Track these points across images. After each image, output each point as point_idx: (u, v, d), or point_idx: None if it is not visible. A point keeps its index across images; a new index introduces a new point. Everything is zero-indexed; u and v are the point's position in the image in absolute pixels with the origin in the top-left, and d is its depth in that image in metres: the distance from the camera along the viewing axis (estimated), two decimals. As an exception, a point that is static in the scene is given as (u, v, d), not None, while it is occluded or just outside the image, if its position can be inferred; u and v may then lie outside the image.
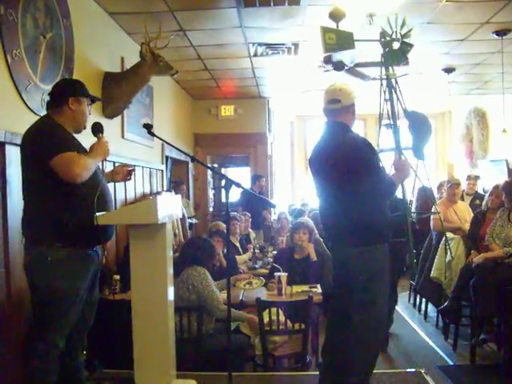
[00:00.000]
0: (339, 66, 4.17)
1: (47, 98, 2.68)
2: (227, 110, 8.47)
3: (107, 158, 4.21)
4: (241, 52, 5.81)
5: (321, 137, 2.98)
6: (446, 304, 4.65)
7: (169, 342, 2.69)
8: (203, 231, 7.10)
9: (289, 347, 3.45)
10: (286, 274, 3.88)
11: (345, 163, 2.73)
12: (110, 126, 4.51)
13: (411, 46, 3.78)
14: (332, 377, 2.83)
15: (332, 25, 4.12)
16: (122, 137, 4.86)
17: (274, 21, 4.80)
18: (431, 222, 5.42)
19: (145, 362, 2.63)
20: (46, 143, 2.38)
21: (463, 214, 5.53)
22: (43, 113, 2.82)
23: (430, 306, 5.65)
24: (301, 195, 10.30)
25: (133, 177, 3.07)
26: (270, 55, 5.92)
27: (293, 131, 10.88)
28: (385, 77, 3.67)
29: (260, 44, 5.53)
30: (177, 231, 5.67)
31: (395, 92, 3.63)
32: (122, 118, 4.79)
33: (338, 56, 4.09)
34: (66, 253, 2.41)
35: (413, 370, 3.59)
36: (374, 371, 2.95)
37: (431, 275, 5.05)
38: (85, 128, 2.66)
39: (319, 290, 3.92)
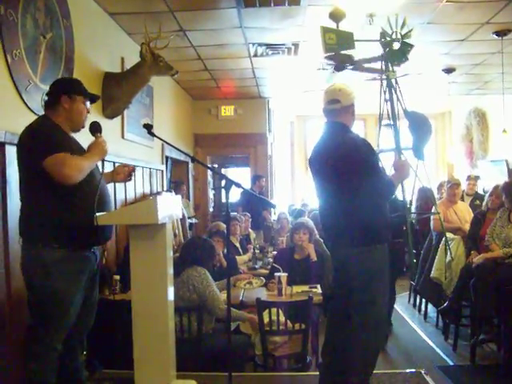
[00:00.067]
0: (339, 67, 4.17)
1: (46, 98, 2.68)
2: (227, 111, 8.48)
3: (107, 158, 4.26)
4: (241, 52, 5.81)
5: (320, 137, 2.98)
6: (445, 304, 4.65)
7: (169, 342, 2.69)
8: (203, 231, 7.10)
9: (289, 347, 3.45)
10: (286, 274, 3.88)
11: (344, 163, 2.73)
12: (110, 126, 4.52)
13: (411, 46, 3.79)
14: (332, 377, 2.83)
15: (332, 25, 4.12)
16: (122, 137, 4.86)
17: (274, 21, 4.80)
18: (431, 223, 5.42)
19: (145, 362, 2.63)
20: (39, 144, 2.37)
21: (463, 214, 5.53)
22: (43, 113, 2.81)
23: (430, 306, 5.64)
24: (301, 195, 10.30)
25: (133, 177, 3.05)
26: (270, 55, 5.92)
27: (293, 131, 10.88)
28: (385, 77, 3.68)
29: (260, 44, 5.53)
30: (177, 231, 5.67)
31: (395, 92, 3.63)
32: (122, 118, 4.79)
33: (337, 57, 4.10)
34: (63, 254, 2.40)
35: (413, 370, 3.58)
36: (374, 371, 2.94)
37: (431, 275, 5.05)
38: (83, 127, 2.64)
39: (319, 290, 3.91)
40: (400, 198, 3.67)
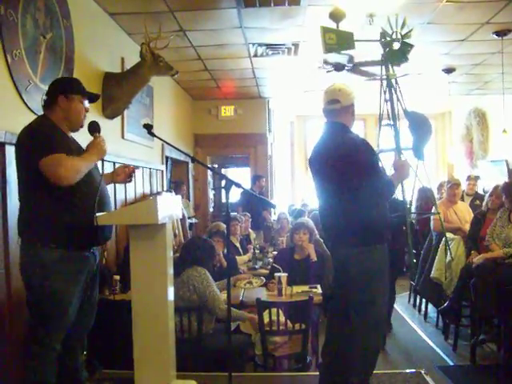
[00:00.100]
0: (339, 67, 4.17)
1: (45, 98, 2.67)
2: (227, 111, 8.48)
3: (107, 159, 4.26)
4: (241, 52, 5.81)
5: (320, 137, 2.98)
6: (446, 304, 4.65)
7: (169, 343, 2.69)
8: (203, 231, 7.10)
9: (289, 347, 3.45)
10: (286, 274, 3.88)
11: (344, 164, 2.73)
12: (110, 127, 4.52)
13: (411, 46, 3.79)
14: (332, 377, 2.83)
15: (332, 25, 4.12)
16: (122, 137, 4.86)
17: (274, 21, 4.80)
18: (431, 223, 5.42)
19: (145, 363, 2.63)
20: (36, 144, 2.36)
21: (463, 214, 5.53)
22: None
23: (430, 307, 5.64)
24: (301, 195, 10.30)
25: (133, 178, 3.04)
26: (270, 55, 5.92)
27: (293, 131, 10.88)
28: (385, 77, 3.68)
29: (260, 44, 5.53)
30: (177, 231, 5.67)
31: (395, 92, 3.63)
32: (122, 118, 4.79)
33: (337, 56, 4.10)
34: (61, 254, 2.39)
35: (413, 370, 3.58)
36: (374, 371, 2.94)
37: (431, 275, 5.05)
38: (82, 126, 2.62)
39: (319, 290, 3.92)
40: (400, 198, 3.67)
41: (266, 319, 3.40)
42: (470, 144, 9.15)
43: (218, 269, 4.40)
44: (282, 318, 3.37)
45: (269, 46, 5.58)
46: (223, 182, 2.74)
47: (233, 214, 5.94)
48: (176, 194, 5.76)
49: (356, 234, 2.73)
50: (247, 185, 7.93)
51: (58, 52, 3.51)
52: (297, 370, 3.51)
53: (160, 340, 2.66)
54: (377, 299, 2.77)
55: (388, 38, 3.74)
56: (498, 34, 5.15)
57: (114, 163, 4.49)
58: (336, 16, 4.13)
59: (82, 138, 2.69)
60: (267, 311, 3.42)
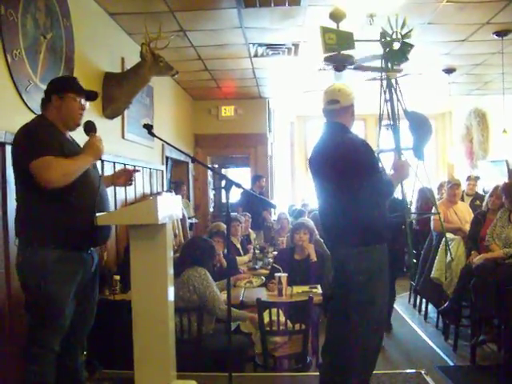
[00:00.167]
0: (339, 67, 4.17)
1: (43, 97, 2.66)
2: (227, 111, 8.48)
3: (107, 159, 4.27)
4: (241, 52, 5.81)
5: (320, 137, 2.99)
6: (446, 304, 4.65)
7: (169, 343, 2.69)
8: (203, 232, 7.10)
9: (289, 348, 3.45)
10: (287, 274, 3.88)
11: (343, 164, 2.73)
12: (111, 127, 4.52)
13: (411, 46, 3.78)
14: (332, 377, 2.82)
15: (332, 25, 4.12)
16: (123, 137, 4.86)
17: (275, 21, 4.80)
18: (431, 223, 5.42)
19: (145, 363, 2.63)
20: (27, 146, 2.35)
21: (463, 214, 5.53)
22: (42, 113, 2.81)
23: (430, 307, 5.64)
24: (301, 195, 10.30)
25: (133, 181, 3.02)
26: (270, 56, 5.92)
27: (293, 131, 10.88)
28: (385, 77, 3.68)
29: (260, 44, 5.53)
30: (177, 232, 5.67)
31: (395, 92, 3.63)
32: (123, 118, 4.79)
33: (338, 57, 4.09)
34: (58, 254, 2.38)
35: (413, 370, 3.59)
36: (375, 372, 2.94)
37: (431, 276, 5.05)
38: (78, 125, 2.58)
39: (319, 290, 3.92)
40: (400, 198, 3.67)
41: (266, 319, 3.40)
42: (470, 144, 9.15)
43: (218, 269, 4.40)
44: (282, 318, 3.37)
45: (269, 46, 5.58)
46: (223, 182, 2.74)
47: (233, 214, 5.94)
48: (176, 194, 5.77)
49: (355, 233, 2.73)
50: (247, 185, 7.93)
51: (58, 52, 3.51)
52: (297, 370, 3.51)
53: (160, 340, 2.66)
54: (376, 299, 2.77)
55: (388, 38, 3.74)
56: (498, 34, 5.15)
57: (114, 163, 4.50)
58: (336, 16, 4.13)
59: (82, 137, 2.68)
60: (267, 311, 3.42)
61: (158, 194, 5.47)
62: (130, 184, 3.01)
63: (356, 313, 2.73)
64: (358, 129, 9.69)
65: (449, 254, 4.71)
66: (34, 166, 2.30)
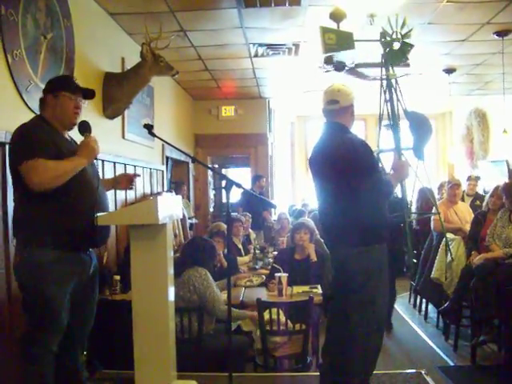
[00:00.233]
0: (339, 67, 4.17)
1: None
2: (228, 111, 8.48)
3: (107, 159, 4.27)
4: (241, 52, 5.81)
5: (320, 138, 2.99)
6: (446, 305, 4.65)
7: (169, 343, 2.69)
8: (204, 232, 7.10)
9: (289, 348, 3.45)
10: (287, 274, 3.88)
11: (343, 164, 2.73)
12: (111, 127, 4.52)
13: (411, 46, 3.78)
14: (332, 377, 2.82)
15: (333, 25, 4.12)
16: (123, 137, 4.86)
17: (275, 21, 4.80)
18: (432, 223, 5.42)
19: (145, 363, 2.63)
20: (19, 146, 2.35)
21: (464, 214, 5.53)
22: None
23: (431, 307, 5.64)
24: (301, 196, 10.30)
25: (134, 185, 3.01)
26: (270, 56, 5.92)
27: (293, 131, 10.88)
28: (385, 77, 3.67)
29: (260, 44, 5.53)
30: (177, 232, 5.67)
31: (395, 92, 3.63)
32: (123, 118, 4.79)
33: (338, 56, 4.09)
34: (55, 255, 2.37)
35: (413, 370, 3.59)
36: (375, 372, 2.94)
37: (432, 276, 5.05)
38: (74, 124, 2.55)
39: (320, 290, 3.91)
40: (402, 198, 3.66)
41: (267, 316, 3.40)
42: (470, 144, 9.15)
43: (218, 269, 4.40)
44: (283, 318, 3.37)
45: (269, 46, 5.58)
46: (224, 182, 2.74)
47: (233, 214, 5.94)
48: (176, 194, 5.76)
49: (355, 233, 2.73)
50: (247, 185, 7.93)
51: (58, 52, 3.51)
52: (297, 370, 3.51)
53: (160, 340, 2.66)
54: (376, 299, 2.77)
55: (388, 38, 3.73)
56: (498, 34, 5.15)
57: (115, 163, 4.50)
58: (336, 16, 4.13)
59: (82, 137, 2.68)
60: (267, 311, 3.42)
61: (159, 194, 5.47)
62: (131, 188, 3.00)
63: (356, 313, 2.73)
64: (358, 129, 9.69)
65: (449, 255, 4.70)
66: (23, 167, 2.30)
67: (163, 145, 6.28)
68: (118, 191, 4.49)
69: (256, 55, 5.90)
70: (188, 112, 8.14)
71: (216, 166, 10.19)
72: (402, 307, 6.11)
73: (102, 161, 4.18)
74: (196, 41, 5.33)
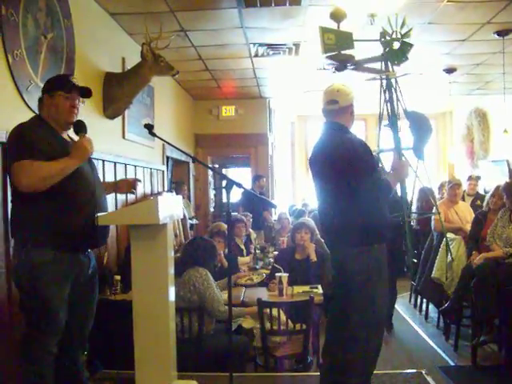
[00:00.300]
0: (340, 67, 4.16)
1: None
2: (228, 111, 8.48)
3: (108, 159, 4.27)
4: (242, 52, 5.81)
5: (319, 138, 2.99)
6: (447, 304, 4.65)
7: (170, 343, 2.69)
8: (204, 232, 7.10)
9: (290, 348, 3.45)
10: (287, 274, 3.87)
11: (342, 164, 2.73)
12: (111, 127, 4.52)
13: (411, 45, 3.77)
14: (333, 377, 2.82)
15: (333, 25, 4.12)
16: (123, 137, 4.86)
17: (275, 21, 4.80)
18: (432, 223, 5.42)
19: (146, 363, 2.63)
20: (12, 147, 2.35)
21: (464, 214, 5.53)
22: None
23: (431, 307, 5.64)
24: (301, 195, 10.30)
25: (137, 190, 3.00)
26: (270, 55, 5.92)
27: (294, 131, 10.88)
28: (385, 76, 3.67)
29: (261, 44, 5.53)
30: (178, 232, 5.67)
31: (395, 92, 3.62)
32: (123, 118, 4.79)
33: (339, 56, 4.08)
34: (53, 255, 2.36)
35: (414, 370, 3.59)
36: (375, 372, 2.94)
37: (432, 276, 5.05)
38: (70, 123, 2.54)
39: (320, 290, 3.91)
40: (402, 198, 3.66)
41: (267, 314, 3.40)
42: (470, 144, 9.14)
43: (218, 269, 4.40)
44: (283, 318, 3.37)
45: (270, 46, 5.58)
46: (224, 182, 2.74)
47: (234, 213, 5.93)
48: (177, 194, 5.76)
49: (354, 233, 2.73)
50: (248, 185, 7.93)
51: (58, 52, 3.51)
52: (297, 370, 3.52)
53: (161, 340, 2.66)
54: (376, 299, 2.76)
55: (388, 38, 3.73)
56: (499, 33, 5.15)
57: (115, 163, 4.50)
58: (337, 16, 4.12)
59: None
60: (268, 311, 3.42)
61: (159, 194, 5.47)
62: (133, 193, 2.98)
63: (356, 313, 2.73)
64: (358, 129, 9.68)
65: (449, 255, 4.70)
66: (13, 169, 2.30)
67: (164, 145, 6.28)
68: (118, 191, 4.49)
69: (256, 55, 5.90)
70: (188, 112, 8.14)
71: (216, 165, 10.19)
72: (402, 307, 6.11)
73: (103, 161, 4.19)
74: (196, 41, 5.33)
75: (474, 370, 3.98)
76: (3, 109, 2.92)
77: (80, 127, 2.54)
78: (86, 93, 2.59)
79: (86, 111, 3.87)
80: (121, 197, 4.64)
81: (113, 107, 4.37)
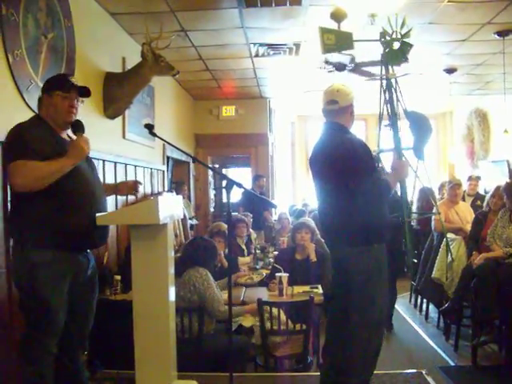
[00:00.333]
0: (340, 67, 4.16)
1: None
2: (228, 111, 8.48)
3: (108, 159, 4.27)
4: (242, 52, 5.81)
5: (319, 138, 3.00)
6: (447, 305, 4.65)
7: (170, 343, 2.69)
8: (204, 231, 7.10)
9: (290, 348, 3.45)
10: (287, 274, 3.87)
11: (342, 164, 2.73)
12: (111, 127, 4.52)
13: (411, 45, 3.77)
14: (333, 378, 2.82)
15: (333, 25, 4.12)
16: (123, 137, 4.86)
17: (276, 21, 4.80)
18: (432, 223, 5.41)
19: (146, 363, 2.63)
20: (9, 147, 2.35)
21: (464, 214, 5.53)
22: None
23: (431, 307, 5.64)
24: (302, 195, 10.30)
25: (134, 178, 3.01)
26: (271, 55, 5.92)
27: (294, 131, 10.88)
28: (384, 77, 3.67)
29: (261, 44, 5.53)
30: (178, 232, 5.67)
31: (395, 92, 3.62)
32: (124, 118, 4.79)
33: (338, 56, 4.09)
34: (52, 256, 2.36)
35: (414, 370, 3.58)
36: (375, 372, 2.94)
37: (432, 276, 5.05)
38: (68, 123, 2.53)
39: (320, 290, 3.92)
40: (402, 198, 3.66)
41: (266, 314, 3.40)
42: (471, 144, 9.14)
43: (218, 269, 4.40)
44: (283, 318, 3.37)
45: (270, 46, 5.58)
46: (224, 182, 2.74)
47: (234, 213, 5.93)
48: (177, 194, 5.76)
49: (354, 233, 2.74)
50: (248, 185, 7.93)
51: (59, 52, 3.51)
52: (298, 370, 3.52)
53: (161, 340, 2.65)
54: (376, 299, 2.77)
55: (388, 38, 3.73)
56: (499, 34, 5.15)
57: (115, 163, 4.50)
58: (337, 16, 4.13)
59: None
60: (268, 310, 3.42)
61: (159, 193, 5.47)
62: (135, 195, 2.98)
63: (356, 313, 2.73)
64: (358, 129, 9.69)
65: (450, 255, 4.70)
66: (9, 169, 2.31)
67: (164, 145, 6.28)
68: (118, 191, 4.48)
69: (257, 55, 5.90)
70: (188, 112, 8.14)
71: (216, 165, 10.20)
72: (402, 307, 6.11)
73: (103, 161, 4.19)
74: (197, 41, 5.33)
75: (474, 370, 3.98)
76: (3, 109, 2.92)
77: (77, 127, 2.52)
78: (84, 92, 2.58)
79: (87, 111, 3.87)
80: (121, 197, 4.63)
81: (113, 107, 4.37)
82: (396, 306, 5.58)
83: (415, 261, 5.69)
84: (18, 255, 2.41)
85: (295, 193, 10.82)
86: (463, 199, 6.26)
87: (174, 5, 4.33)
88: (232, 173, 10.57)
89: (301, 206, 8.21)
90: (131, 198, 4.89)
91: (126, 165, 4.78)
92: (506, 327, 3.88)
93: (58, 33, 3.49)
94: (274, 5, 4.33)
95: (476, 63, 6.45)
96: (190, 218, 6.93)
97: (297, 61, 6.12)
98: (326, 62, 5.58)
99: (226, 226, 4.77)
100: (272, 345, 3.41)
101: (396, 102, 3.60)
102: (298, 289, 3.93)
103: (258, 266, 5.16)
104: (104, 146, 4.16)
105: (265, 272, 4.81)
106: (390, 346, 4.65)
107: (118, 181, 4.49)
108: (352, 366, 2.76)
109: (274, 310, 3.34)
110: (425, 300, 5.80)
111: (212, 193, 9.44)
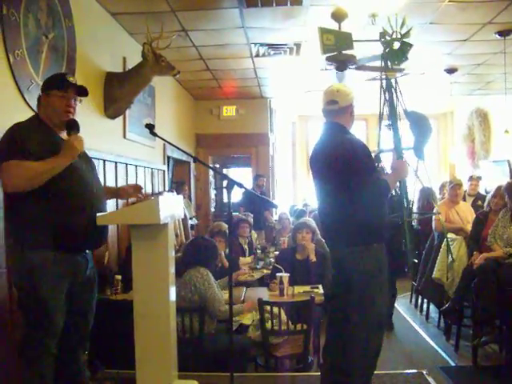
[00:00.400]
0: (341, 67, 4.16)
1: None
2: (229, 111, 8.48)
3: (109, 159, 4.27)
4: (243, 52, 5.81)
5: (319, 138, 3.00)
6: (447, 305, 4.64)
7: (170, 343, 2.69)
8: (205, 231, 7.10)
9: (290, 348, 3.45)
10: (288, 274, 3.88)
11: (342, 164, 2.73)
12: (112, 126, 4.52)
13: (411, 45, 3.78)
14: (333, 378, 2.82)
15: (334, 25, 4.12)
16: (124, 137, 4.86)
17: (276, 21, 4.80)
18: (433, 223, 5.41)
19: (146, 363, 2.63)
20: (3, 146, 2.33)
21: (465, 214, 5.52)
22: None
23: (432, 307, 5.64)
24: (302, 196, 10.30)
25: (134, 178, 3.00)
26: (271, 55, 5.92)
27: (294, 131, 10.88)
28: (384, 76, 3.67)
29: (262, 44, 5.53)
30: (178, 231, 5.67)
31: (395, 92, 3.62)
32: (124, 118, 4.80)
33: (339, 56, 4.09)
34: (50, 256, 2.35)
35: (414, 370, 3.58)
36: (376, 372, 2.94)
37: (433, 276, 5.04)
38: (65, 122, 2.49)
39: (321, 290, 3.92)
40: (402, 198, 3.67)
41: (266, 314, 3.40)
42: (471, 144, 9.14)
43: (219, 268, 4.40)
44: (284, 317, 3.37)
45: (271, 46, 5.58)
46: (225, 182, 2.74)
47: (235, 213, 5.93)
48: (178, 193, 5.75)
49: (354, 233, 2.74)
50: (249, 185, 7.93)
51: (59, 52, 3.51)
52: (298, 370, 3.52)
53: (162, 340, 2.65)
54: (376, 299, 2.76)
55: (388, 38, 3.73)
56: (500, 33, 5.15)
57: (116, 163, 4.50)
58: (338, 16, 4.13)
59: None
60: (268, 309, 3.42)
61: (160, 193, 5.46)
62: (139, 197, 2.95)
63: (356, 313, 2.73)
64: (359, 129, 9.69)
65: (450, 255, 4.70)
66: (1, 168, 2.29)
67: (164, 144, 6.28)
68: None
69: (257, 55, 5.90)
70: (189, 112, 8.14)
71: (217, 165, 10.20)
72: (403, 307, 6.10)
73: (104, 161, 4.19)
74: (197, 40, 5.33)
75: (474, 371, 3.98)
76: (4, 108, 2.92)
77: (71, 126, 2.48)
78: (82, 91, 2.56)
79: (87, 111, 3.88)
80: (121, 197, 4.64)
81: (114, 107, 4.38)
82: (396, 305, 5.58)
83: (416, 261, 5.68)
84: (17, 255, 2.41)
85: (296, 193, 10.82)
86: (464, 199, 6.25)
87: (175, 5, 4.33)
88: (233, 173, 10.58)
89: (301, 206, 8.21)
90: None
91: (126, 165, 4.78)
92: (506, 327, 3.88)
93: (58, 33, 3.49)
94: (274, 5, 4.33)
95: (477, 63, 6.45)
96: (190, 218, 6.93)
97: (297, 61, 6.12)
98: (328, 62, 5.57)
99: (226, 225, 4.77)
100: (272, 345, 3.41)
101: (396, 102, 3.61)
102: (299, 289, 3.93)
103: (258, 266, 5.17)
104: (105, 145, 4.17)
105: (265, 272, 4.82)
106: (390, 346, 4.64)
107: (119, 180, 4.50)
108: (352, 365, 2.76)
109: (275, 310, 3.34)
110: (425, 300, 5.80)
111: (213, 193, 9.44)
